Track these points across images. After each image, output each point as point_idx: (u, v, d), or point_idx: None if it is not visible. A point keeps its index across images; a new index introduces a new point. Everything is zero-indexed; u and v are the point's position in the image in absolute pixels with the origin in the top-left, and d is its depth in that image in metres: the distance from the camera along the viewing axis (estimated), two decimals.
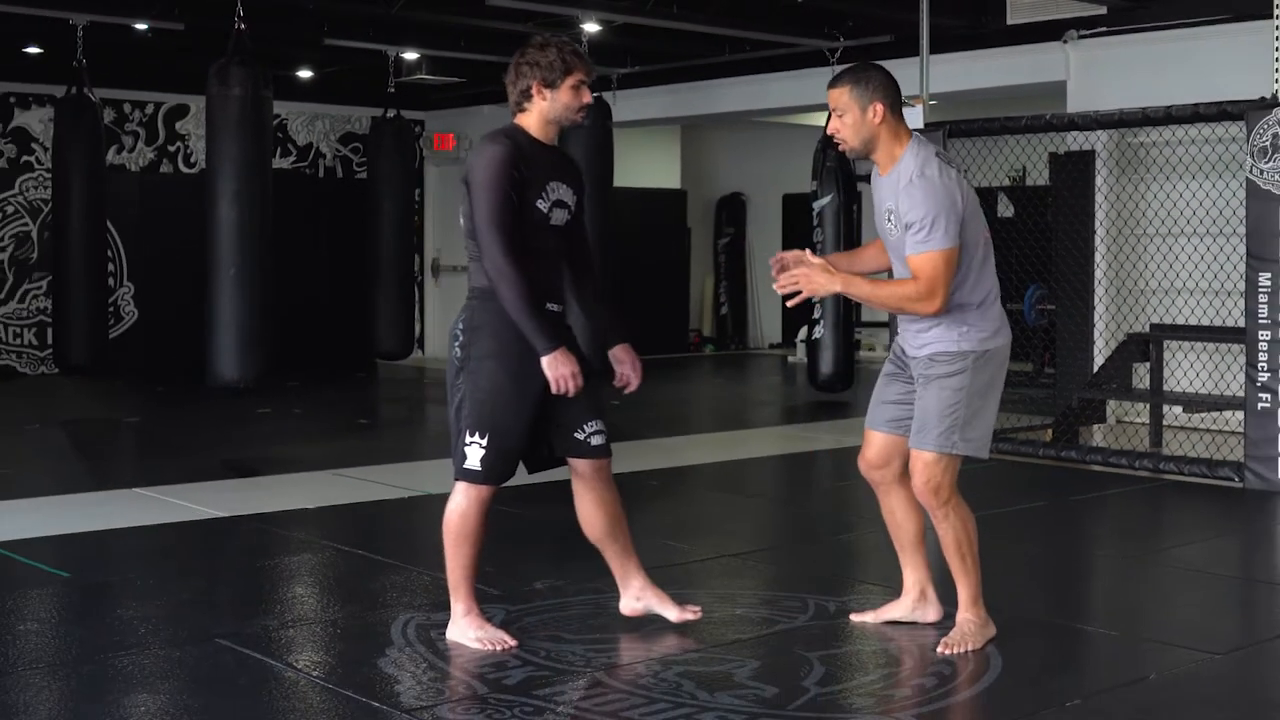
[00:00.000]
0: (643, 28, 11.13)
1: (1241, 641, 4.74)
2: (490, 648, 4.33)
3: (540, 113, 4.33)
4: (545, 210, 4.30)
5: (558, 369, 4.21)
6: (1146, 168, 9.47)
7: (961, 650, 4.35)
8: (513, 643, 4.36)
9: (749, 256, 17.67)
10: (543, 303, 4.28)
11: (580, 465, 4.47)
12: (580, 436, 4.40)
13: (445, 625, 4.49)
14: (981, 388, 4.36)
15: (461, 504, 4.36)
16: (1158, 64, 9.54)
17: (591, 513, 4.53)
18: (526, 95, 4.31)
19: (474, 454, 4.28)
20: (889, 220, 4.36)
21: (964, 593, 4.44)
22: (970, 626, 4.42)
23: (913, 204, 4.22)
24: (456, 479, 4.37)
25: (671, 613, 4.63)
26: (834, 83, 4.41)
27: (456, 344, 4.34)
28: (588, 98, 4.38)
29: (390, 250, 12.20)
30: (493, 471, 4.30)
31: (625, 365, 4.51)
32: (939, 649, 4.36)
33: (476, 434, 4.27)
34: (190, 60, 11.46)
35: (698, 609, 4.68)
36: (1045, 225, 10.12)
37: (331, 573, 5.74)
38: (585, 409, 4.40)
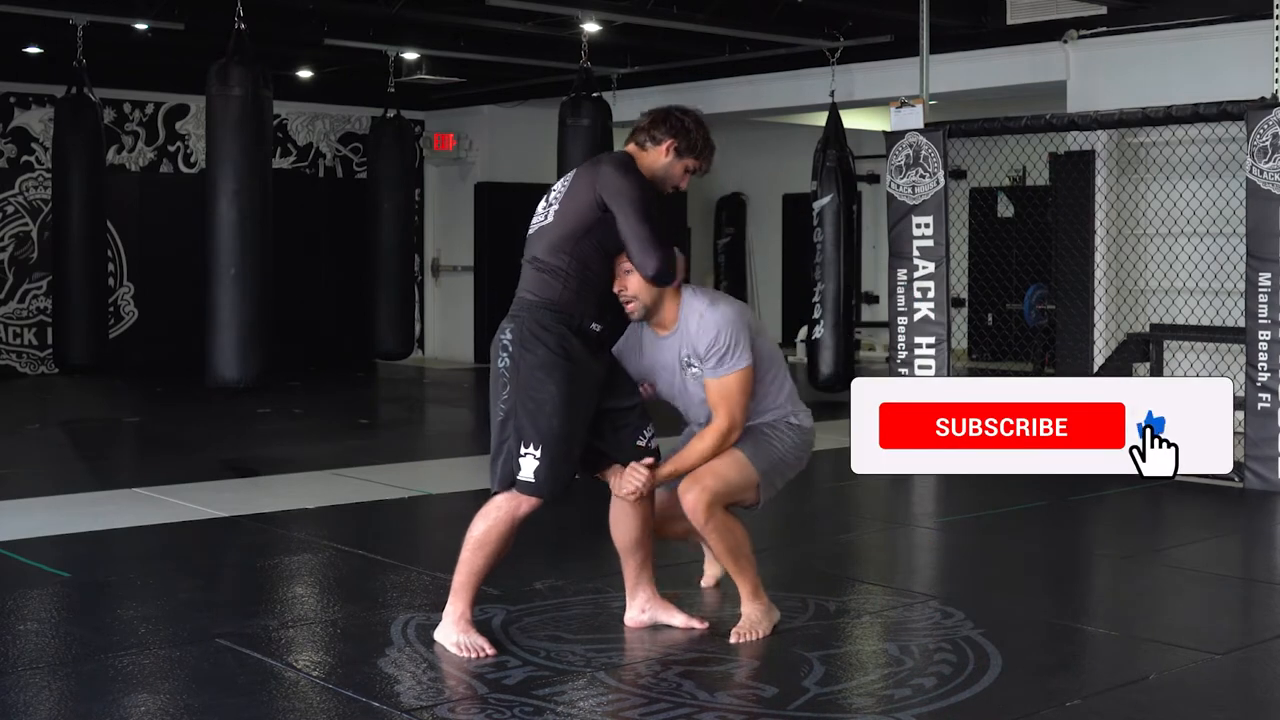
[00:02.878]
0: (643, 28, 11.13)
1: (1241, 641, 4.74)
2: (466, 654, 4.33)
3: (651, 162, 4.53)
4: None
5: None
6: (1146, 168, 9.47)
7: (752, 637, 4.51)
8: (491, 651, 4.34)
9: (749, 256, 17.66)
10: (590, 321, 4.35)
11: None
12: (641, 443, 4.50)
13: None
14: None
15: (494, 514, 4.36)
16: (1158, 64, 9.53)
17: (627, 518, 4.57)
18: (656, 141, 4.53)
19: (528, 465, 4.29)
20: (689, 365, 4.53)
21: (744, 588, 4.62)
22: (756, 614, 4.59)
23: (705, 332, 4.45)
24: (502, 490, 4.37)
25: (678, 619, 4.64)
26: None
27: (505, 354, 4.34)
28: (684, 185, 4.63)
29: (390, 250, 12.18)
30: (547, 483, 4.29)
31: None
32: (731, 638, 4.49)
33: (531, 445, 4.28)
34: (190, 60, 11.46)
35: (705, 621, 4.68)
36: (1045, 225, 10.13)
37: (331, 573, 5.74)
38: (642, 415, 4.54)
